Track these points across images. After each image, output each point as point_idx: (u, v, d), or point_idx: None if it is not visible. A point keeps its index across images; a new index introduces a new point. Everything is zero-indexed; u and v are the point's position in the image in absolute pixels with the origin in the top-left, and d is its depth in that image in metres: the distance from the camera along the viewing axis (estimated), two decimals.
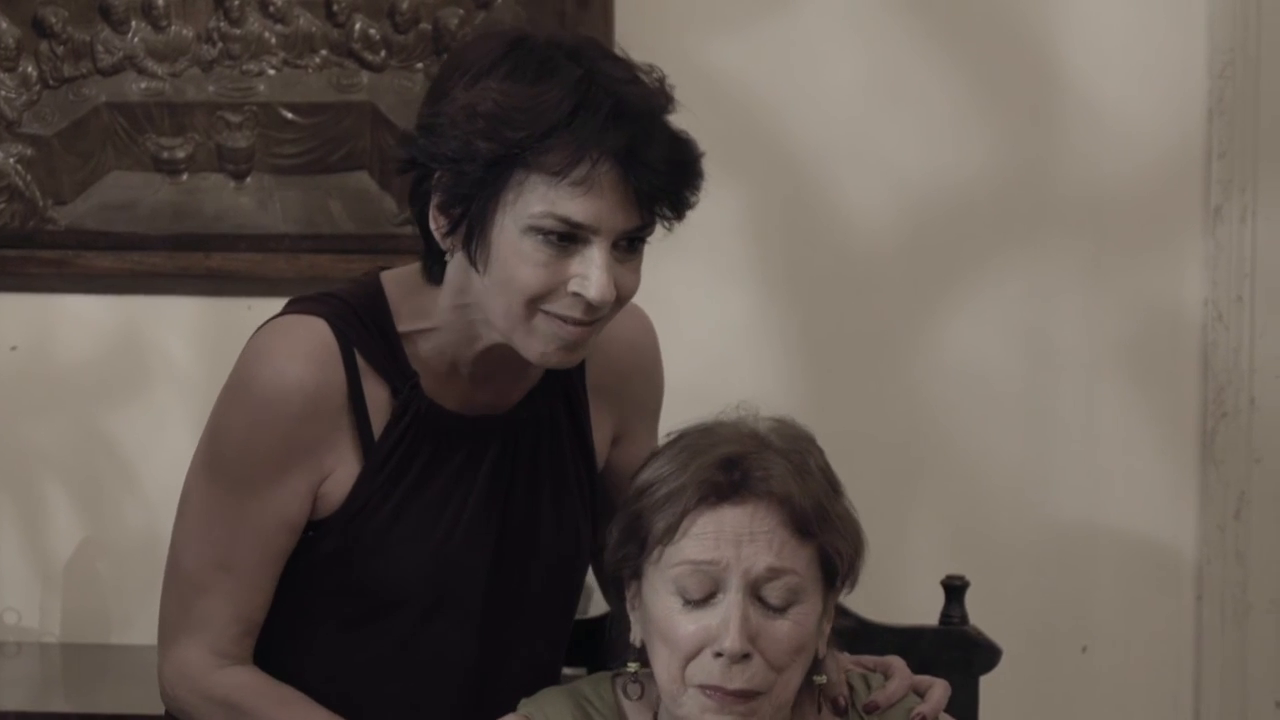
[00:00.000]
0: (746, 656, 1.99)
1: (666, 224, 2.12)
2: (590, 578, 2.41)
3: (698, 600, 2.01)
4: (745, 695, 2.00)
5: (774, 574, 2.01)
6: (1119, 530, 3.45)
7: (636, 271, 2.14)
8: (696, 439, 2.07)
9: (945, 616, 2.55)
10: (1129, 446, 3.44)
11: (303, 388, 2.17)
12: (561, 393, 2.32)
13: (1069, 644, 3.47)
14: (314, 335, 2.19)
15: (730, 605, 1.99)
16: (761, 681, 2.00)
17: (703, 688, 2.00)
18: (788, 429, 2.09)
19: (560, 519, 2.31)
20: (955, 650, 2.52)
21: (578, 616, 2.41)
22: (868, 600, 2.26)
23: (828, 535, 2.04)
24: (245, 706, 2.23)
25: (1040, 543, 3.46)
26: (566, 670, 2.42)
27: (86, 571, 3.49)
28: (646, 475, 2.07)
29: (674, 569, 2.01)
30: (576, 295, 2.09)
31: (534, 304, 2.10)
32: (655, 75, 2.13)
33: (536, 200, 2.07)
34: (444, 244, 2.15)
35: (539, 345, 2.13)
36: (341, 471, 2.21)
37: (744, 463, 2.02)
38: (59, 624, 3.49)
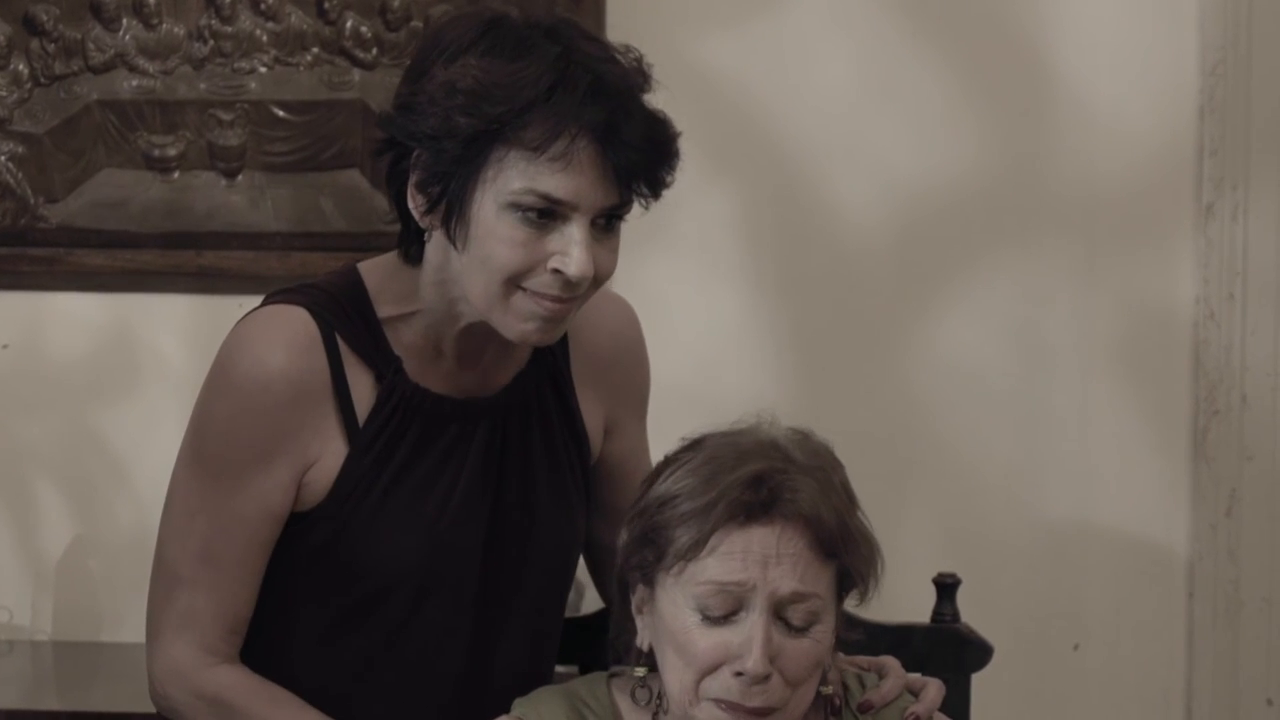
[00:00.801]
0: (767, 676, 1.98)
1: (643, 202, 2.13)
2: (581, 572, 2.41)
3: (718, 617, 1.99)
4: (762, 712, 1.99)
5: (798, 598, 1.99)
6: (1111, 528, 3.45)
7: (614, 251, 2.14)
8: (719, 450, 2.04)
9: (937, 614, 2.55)
10: (1121, 444, 3.44)
11: (285, 375, 2.17)
12: (549, 378, 2.32)
13: (1061, 641, 3.47)
14: (295, 323, 2.19)
15: (754, 626, 1.98)
16: (779, 699, 1.99)
17: (718, 702, 1.99)
18: (809, 443, 2.06)
19: (555, 501, 2.31)
20: (947, 648, 2.51)
21: (569, 614, 2.41)
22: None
23: (850, 556, 2.03)
24: (237, 705, 2.22)
25: (1032, 540, 3.46)
26: (559, 669, 2.41)
27: (78, 569, 3.49)
28: (667, 486, 2.04)
29: (698, 587, 1.99)
30: (556, 272, 2.09)
31: (512, 282, 2.10)
32: (632, 55, 2.14)
33: (516, 176, 2.07)
34: (423, 222, 2.15)
35: (517, 323, 2.13)
36: (327, 459, 2.21)
37: (772, 481, 2.00)
38: (50, 622, 3.49)
